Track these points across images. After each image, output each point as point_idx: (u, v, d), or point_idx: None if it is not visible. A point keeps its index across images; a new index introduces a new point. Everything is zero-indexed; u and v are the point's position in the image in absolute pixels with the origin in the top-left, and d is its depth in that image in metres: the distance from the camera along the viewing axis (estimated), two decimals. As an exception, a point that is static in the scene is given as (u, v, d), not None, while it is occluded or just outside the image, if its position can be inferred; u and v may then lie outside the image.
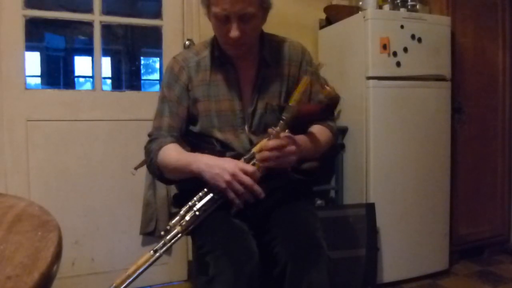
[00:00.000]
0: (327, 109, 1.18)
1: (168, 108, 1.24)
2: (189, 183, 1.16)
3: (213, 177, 1.05)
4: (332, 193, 2.36)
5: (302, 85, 1.11)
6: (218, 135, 1.21)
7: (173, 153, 1.16)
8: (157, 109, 1.28)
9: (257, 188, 1.05)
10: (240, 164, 1.07)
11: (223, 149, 1.20)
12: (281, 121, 1.10)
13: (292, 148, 1.10)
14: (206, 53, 1.25)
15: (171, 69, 1.25)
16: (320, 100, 1.26)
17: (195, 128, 1.25)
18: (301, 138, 1.18)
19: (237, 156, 1.14)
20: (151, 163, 1.20)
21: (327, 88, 1.12)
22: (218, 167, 1.06)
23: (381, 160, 2.11)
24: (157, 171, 1.20)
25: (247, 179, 1.04)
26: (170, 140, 1.20)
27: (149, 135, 1.27)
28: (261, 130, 1.23)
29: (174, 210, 2.09)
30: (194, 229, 1.08)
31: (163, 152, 1.17)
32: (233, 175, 1.04)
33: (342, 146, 2.25)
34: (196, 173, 1.09)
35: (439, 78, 2.24)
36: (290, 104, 1.10)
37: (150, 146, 1.22)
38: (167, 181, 1.28)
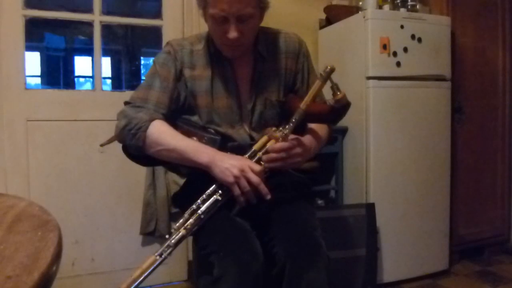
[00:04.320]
0: (336, 113, 1.17)
1: (160, 83, 1.17)
2: (189, 184, 1.15)
3: (222, 171, 1.05)
4: (332, 193, 2.36)
5: (314, 90, 1.10)
6: (218, 129, 1.21)
7: (174, 134, 1.11)
8: (145, 81, 1.20)
9: (263, 187, 1.04)
10: (248, 161, 1.07)
11: (224, 140, 1.19)
12: (290, 124, 1.10)
13: (299, 150, 1.11)
14: (200, 47, 1.23)
15: (167, 52, 1.21)
16: (329, 104, 1.24)
17: (194, 118, 1.23)
18: (307, 139, 1.18)
19: (238, 147, 1.14)
20: (137, 131, 1.10)
21: (339, 94, 1.11)
22: (227, 162, 1.05)
23: (381, 160, 2.11)
24: (140, 143, 1.11)
25: (254, 178, 1.04)
26: (161, 117, 1.14)
27: (129, 102, 1.18)
28: (262, 127, 1.22)
29: (174, 210, 2.09)
30: (197, 230, 1.08)
31: (157, 126, 1.11)
32: (242, 171, 1.03)
33: (335, 139, 2.24)
34: (204, 165, 1.07)
35: (439, 78, 2.24)
36: (301, 107, 1.10)
37: (133, 112, 1.13)
38: (143, 159, 1.20)
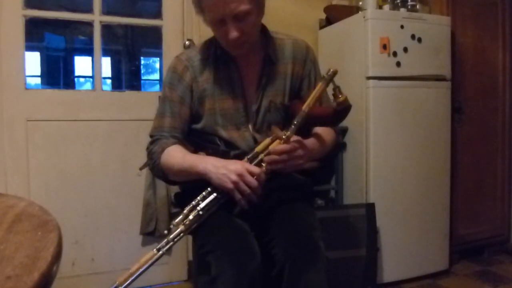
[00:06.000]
0: (338, 115, 1.17)
1: (170, 109, 1.23)
2: (192, 183, 1.16)
3: (219, 178, 1.05)
4: (332, 193, 2.36)
5: (317, 92, 1.10)
6: (223, 133, 1.21)
7: (177, 155, 1.15)
8: (158, 109, 1.27)
9: (260, 191, 1.06)
10: (246, 165, 1.07)
11: (227, 149, 1.20)
12: (292, 126, 1.10)
13: (301, 152, 1.11)
14: (209, 51, 1.25)
15: (174, 68, 1.24)
16: (332, 106, 1.25)
17: (198, 126, 1.24)
18: (309, 141, 1.18)
19: (241, 155, 1.14)
20: (154, 165, 1.19)
21: (340, 96, 1.11)
22: (224, 168, 1.06)
23: (381, 160, 2.11)
24: (161, 173, 1.20)
25: (253, 181, 1.04)
26: (172, 142, 1.19)
27: (151, 136, 1.26)
28: (265, 128, 1.23)
29: (174, 210, 2.09)
30: (195, 229, 1.08)
31: (166, 154, 1.16)
32: (240, 176, 1.04)
33: (344, 145, 2.25)
34: (202, 174, 1.09)
35: (439, 78, 2.24)
36: (303, 109, 1.10)
37: (152, 147, 1.21)
38: (172, 183, 1.28)
